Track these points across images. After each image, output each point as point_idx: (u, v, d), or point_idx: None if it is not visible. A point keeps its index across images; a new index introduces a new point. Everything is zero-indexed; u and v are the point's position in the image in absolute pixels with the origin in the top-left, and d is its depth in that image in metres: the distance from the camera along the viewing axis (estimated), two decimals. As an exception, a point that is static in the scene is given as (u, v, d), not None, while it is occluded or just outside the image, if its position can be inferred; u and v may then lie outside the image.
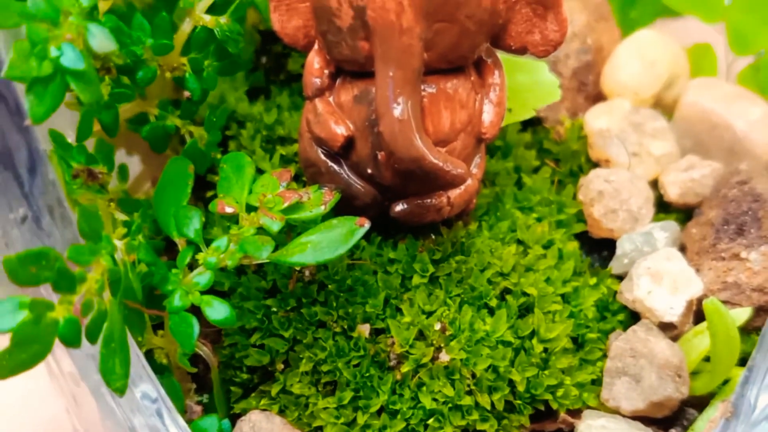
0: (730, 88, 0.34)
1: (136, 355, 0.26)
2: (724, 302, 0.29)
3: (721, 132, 0.33)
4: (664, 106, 0.34)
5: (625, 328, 0.30)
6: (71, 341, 0.24)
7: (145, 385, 0.26)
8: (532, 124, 0.33)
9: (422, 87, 0.27)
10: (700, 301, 0.30)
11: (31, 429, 0.33)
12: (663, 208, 0.32)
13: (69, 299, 0.24)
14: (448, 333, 0.28)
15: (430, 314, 0.28)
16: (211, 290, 0.28)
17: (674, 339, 0.29)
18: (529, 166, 0.32)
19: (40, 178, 0.24)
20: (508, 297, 0.29)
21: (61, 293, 0.24)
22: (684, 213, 0.32)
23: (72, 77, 0.24)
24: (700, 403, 0.29)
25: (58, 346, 0.26)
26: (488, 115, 0.29)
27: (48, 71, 0.24)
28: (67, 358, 0.25)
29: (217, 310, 0.27)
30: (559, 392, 0.29)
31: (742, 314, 0.29)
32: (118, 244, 0.26)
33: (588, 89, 0.34)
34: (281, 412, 0.28)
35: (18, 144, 0.23)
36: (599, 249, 0.31)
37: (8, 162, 0.23)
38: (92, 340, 0.25)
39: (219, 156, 0.30)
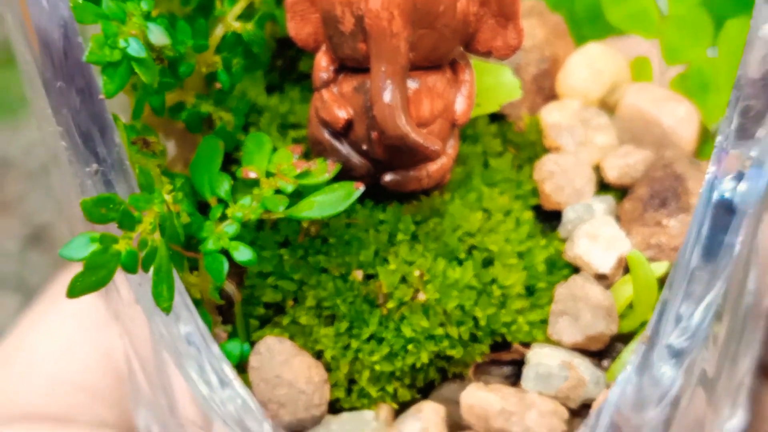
0: (662, 92, 0.41)
1: (178, 291, 0.33)
2: (649, 259, 0.36)
3: (653, 127, 0.39)
4: (608, 106, 0.41)
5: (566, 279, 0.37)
6: (130, 268, 0.30)
7: (184, 311, 0.33)
8: (498, 118, 0.40)
9: (408, 80, 0.34)
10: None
11: (85, 358, 0.40)
12: (603, 188, 0.39)
13: (129, 236, 0.31)
14: (425, 278, 0.35)
15: (411, 264, 0.35)
16: (237, 240, 0.34)
17: (606, 287, 0.36)
18: (494, 151, 0.38)
19: (109, 140, 0.30)
20: (474, 252, 0.35)
21: (124, 231, 0.31)
22: (620, 192, 0.38)
23: (136, 63, 0.31)
24: (626, 339, 0.36)
25: (118, 275, 0.32)
26: (460, 105, 0.35)
27: (117, 58, 0.30)
28: (126, 285, 0.32)
29: (242, 253, 0.33)
30: (513, 327, 0.35)
31: (661, 267, 0.36)
32: (166, 197, 0.33)
33: (545, 92, 0.41)
34: (291, 339, 0.35)
35: (93, 113, 0.30)
36: (549, 218, 0.38)
37: (86, 127, 0.30)
38: (146, 268, 0.31)
39: (242, 137, 0.37)
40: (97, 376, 0.40)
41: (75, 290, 0.32)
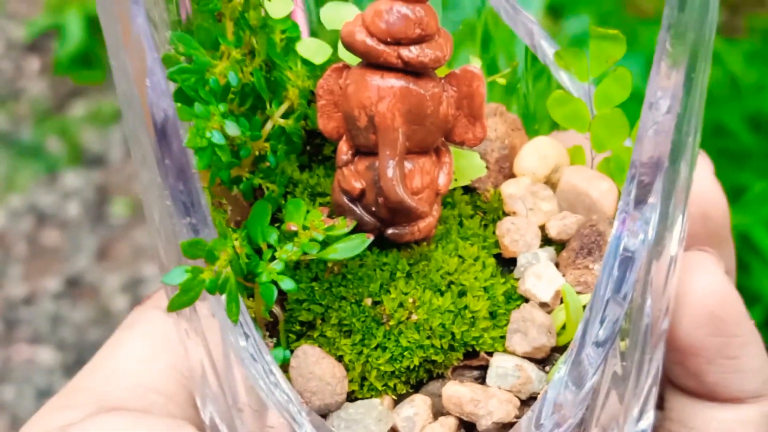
0: (591, 172, 0.51)
1: (241, 310, 0.44)
2: (578, 292, 0.48)
3: (583, 198, 0.50)
4: (551, 183, 0.51)
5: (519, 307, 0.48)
6: (211, 291, 0.42)
7: (245, 325, 0.44)
8: (470, 190, 0.50)
9: (405, 162, 0.46)
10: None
11: (159, 369, 0.50)
12: (547, 242, 0.50)
13: (211, 269, 0.42)
14: (416, 304, 0.45)
15: (406, 294, 0.45)
16: (282, 274, 0.46)
17: (548, 312, 0.47)
18: (467, 214, 0.49)
19: (198, 201, 0.42)
20: (452, 286, 0.46)
21: (207, 264, 0.42)
22: (559, 245, 0.49)
23: (217, 148, 0.42)
24: (561, 350, 0.46)
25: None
26: (442, 179, 0.46)
27: (205, 144, 0.42)
28: (206, 304, 0.43)
29: (286, 284, 0.44)
30: (480, 341, 0.45)
31: (586, 298, 0.46)
32: (234, 243, 0.44)
33: (505, 171, 0.52)
34: (320, 347, 0.45)
35: (187, 182, 0.42)
36: (507, 263, 0.47)
37: (183, 191, 0.41)
38: (222, 292, 0.42)
39: (283, 202, 0.49)
40: (169, 383, 0.50)
41: (173, 306, 0.43)
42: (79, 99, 2.01)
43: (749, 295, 1.36)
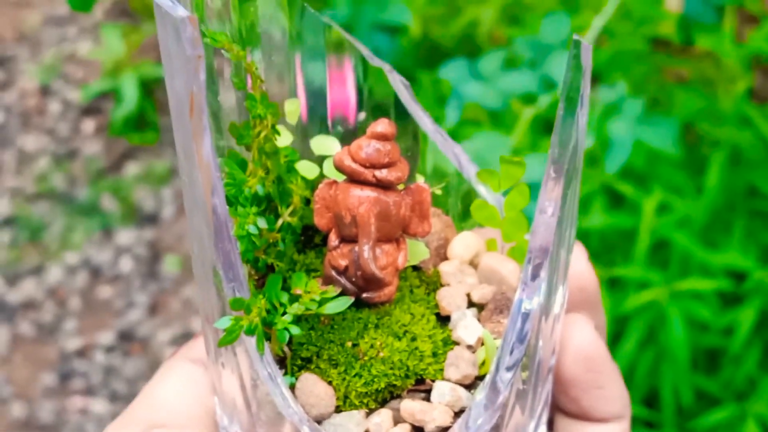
0: (502, 257, 0.58)
1: (265, 349, 0.61)
2: (494, 338, 0.67)
3: (496, 275, 0.58)
4: (474, 264, 0.56)
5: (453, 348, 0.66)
6: (248, 333, 0.60)
7: (267, 358, 0.61)
8: (417, 269, 0.58)
9: (376, 248, 0.64)
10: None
11: (190, 406, 0.61)
12: (471, 305, 0.66)
13: (247, 318, 0.60)
14: (383, 346, 0.62)
15: (375, 338, 0.62)
16: (291, 323, 0.63)
17: (473, 352, 0.63)
18: (415, 285, 0.56)
19: (238, 272, 0.59)
20: (407, 334, 0.59)
21: (245, 315, 0.60)
22: (480, 306, 0.64)
23: (254, 237, 0.61)
24: (482, 378, 0.60)
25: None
26: (400, 259, 0.57)
27: (244, 234, 0.59)
28: (243, 344, 0.59)
29: (294, 330, 0.59)
30: (426, 372, 0.56)
31: (499, 342, 0.64)
32: (261, 302, 0.62)
33: (441, 255, 0.60)
34: (316, 375, 0.62)
35: (232, 258, 0.59)
36: (444, 320, 0.55)
37: (229, 263, 0.59)
38: (253, 334, 0.60)
39: (289, 275, 0.66)
40: (199, 412, 0.59)
41: (223, 342, 0.61)
42: (132, 159, 2.08)
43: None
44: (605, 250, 1.45)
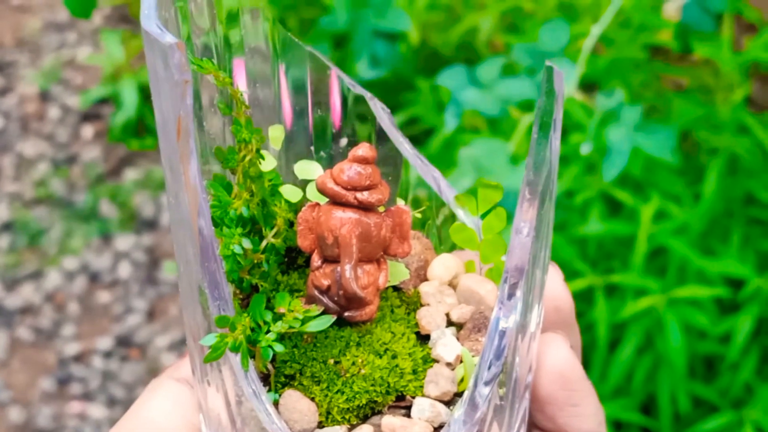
0: (480, 278, 0.58)
1: (250, 366, 0.63)
2: (472, 356, 0.69)
3: (475, 295, 0.59)
4: (453, 285, 0.56)
5: (432, 366, 0.68)
6: (232, 350, 0.61)
7: (251, 374, 0.63)
8: (398, 289, 0.58)
9: (357, 268, 0.66)
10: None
11: (177, 423, 0.66)
12: (450, 324, 0.68)
13: (232, 335, 0.61)
14: (364, 363, 0.63)
15: (356, 356, 0.63)
16: (275, 341, 0.65)
17: (452, 369, 0.65)
18: (396, 305, 0.59)
19: (223, 291, 0.61)
20: (387, 351, 0.61)
21: (230, 332, 0.62)
22: (459, 325, 0.65)
23: (238, 256, 0.63)
24: (461, 395, 0.63)
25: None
26: (381, 279, 0.59)
27: (230, 253, 0.62)
28: (230, 361, 0.61)
29: (278, 347, 0.61)
30: (407, 389, 0.57)
31: (476, 359, 0.67)
32: (245, 320, 0.64)
33: (421, 276, 0.62)
34: (299, 391, 0.64)
35: (217, 279, 0.61)
36: (424, 338, 0.56)
37: (215, 283, 0.61)
38: (237, 351, 0.62)
39: (273, 294, 0.68)
40: (185, 430, 0.61)
41: (208, 358, 0.62)
42: (131, 165, 2.09)
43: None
44: (603, 257, 1.47)
